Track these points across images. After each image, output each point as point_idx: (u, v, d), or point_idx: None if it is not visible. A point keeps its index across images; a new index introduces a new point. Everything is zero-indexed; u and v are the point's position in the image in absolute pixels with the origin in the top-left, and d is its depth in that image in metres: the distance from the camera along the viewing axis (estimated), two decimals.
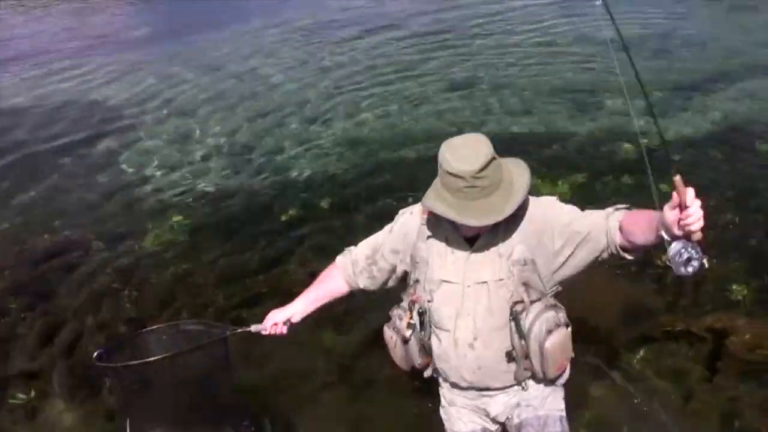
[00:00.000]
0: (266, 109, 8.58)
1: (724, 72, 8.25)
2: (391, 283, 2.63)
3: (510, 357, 2.31)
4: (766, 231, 4.86)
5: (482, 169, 2.04)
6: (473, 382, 2.41)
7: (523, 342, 2.26)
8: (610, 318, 4.03)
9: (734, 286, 4.19)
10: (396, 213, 2.57)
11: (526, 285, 2.23)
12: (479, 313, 2.27)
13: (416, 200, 2.34)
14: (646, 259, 4.46)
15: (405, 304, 2.50)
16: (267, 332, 2.65)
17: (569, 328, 2.38)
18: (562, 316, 2.36)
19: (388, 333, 2.59)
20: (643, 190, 5.40)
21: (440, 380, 2.63)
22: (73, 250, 5.72)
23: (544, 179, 5.85)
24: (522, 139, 6.95)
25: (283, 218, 5.91)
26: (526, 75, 8.85)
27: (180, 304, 4.76)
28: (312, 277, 4.94)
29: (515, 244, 2.23)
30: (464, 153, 2.07)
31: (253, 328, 2.68)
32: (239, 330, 2.66)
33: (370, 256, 2.56)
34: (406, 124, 7.74)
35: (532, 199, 2.28)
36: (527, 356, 2.29)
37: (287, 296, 4.62)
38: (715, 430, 3.27)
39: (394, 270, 2.55)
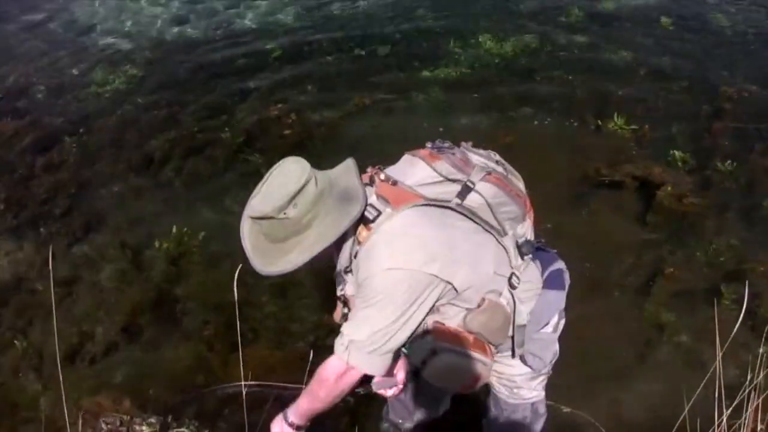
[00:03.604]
0: None
1: None
2: None
3: None
4: (711, 99, 4.93)
5: (261, 219, 1.74)
6: None
7: None
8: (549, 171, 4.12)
9: (675, 152, 4.33)
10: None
11: None
12: None
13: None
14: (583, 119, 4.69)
15: None
16: (390, 392, 2.11)
17: None
18: None
19: None
20: (593, 51, 5.51)
21: None
22: (21, 97, 5.66)
23: (492, 37, 5.84)
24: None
25: (232, 67, 5.83)
26: None
27: (127, 150, 4.80)
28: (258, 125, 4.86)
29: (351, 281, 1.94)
30: (266, 189, 1.74)
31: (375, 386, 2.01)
32: None
33: None
34: None
35: (377, 260, 1.75)
36: None
37: (232, 144, 4.71)
38: (641, 279, 3.50)
39: None
